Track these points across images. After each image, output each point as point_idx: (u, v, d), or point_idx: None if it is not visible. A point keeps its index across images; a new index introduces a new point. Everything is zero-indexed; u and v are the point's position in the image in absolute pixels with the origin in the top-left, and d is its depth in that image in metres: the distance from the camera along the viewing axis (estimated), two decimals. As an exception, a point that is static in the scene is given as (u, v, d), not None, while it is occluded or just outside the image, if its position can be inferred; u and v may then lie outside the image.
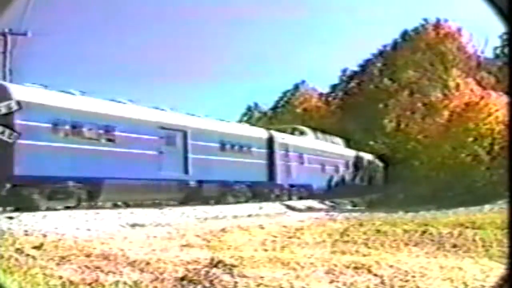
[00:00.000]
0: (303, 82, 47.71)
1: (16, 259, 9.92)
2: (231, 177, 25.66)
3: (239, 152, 26.68)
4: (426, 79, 38.82)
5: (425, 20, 41.31)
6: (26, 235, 12.66)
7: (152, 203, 21.37)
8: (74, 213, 16.50)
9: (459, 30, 41.12)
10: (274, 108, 48.54)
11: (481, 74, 39.56)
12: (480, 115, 33.46)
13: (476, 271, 9.68)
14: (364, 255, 11.30)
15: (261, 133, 29.58)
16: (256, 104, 49.09)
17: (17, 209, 16.44)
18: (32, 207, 16.77)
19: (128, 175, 19.87)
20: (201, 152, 23.72)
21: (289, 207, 26.03)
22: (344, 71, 46.05)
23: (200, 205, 21.82)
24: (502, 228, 13.08)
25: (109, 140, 19.93)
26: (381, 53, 43.54)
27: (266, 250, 12.06)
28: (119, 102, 21.38)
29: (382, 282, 9.00)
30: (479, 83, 37.27)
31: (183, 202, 22.55)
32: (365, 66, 44.18)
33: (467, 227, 14.87)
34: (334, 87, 46.99)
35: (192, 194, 23.40)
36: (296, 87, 47.92)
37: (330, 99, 46.69)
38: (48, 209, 17.22)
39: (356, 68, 45.11)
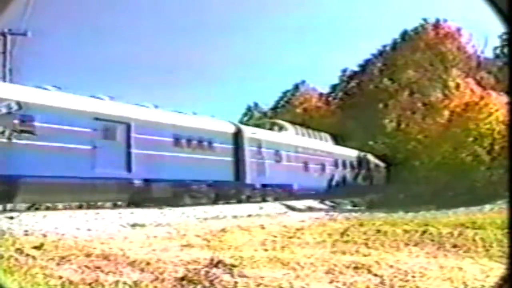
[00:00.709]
0: (303, 82, 47.72)
1: (16, 259, 9.92)
2: (187, 176, 22.91)
3: (198, 147, 23.85)
4: (426, 79, 38.80)
5: (425, 20, 41.30)
6: (26, 235, 12.67)
7: (153, 203, 21.01)
8: (74, 213, 16.51)
9: (458, 30, 41.11)
10: (274, 108, 48.52)
11: (481, 74, 39.55)
12: (480, 115, 33.45)
13: (476, 271, 9.68)
14: (364, 255, 11.31)
15: (226, 127, 26.56)
16: (256, 104, 49.08)
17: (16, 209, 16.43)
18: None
19: (51, 172, 17.34)
20: (148, 147, 21.08)
21: (289, 207, 26.02)
22: (344, 71, 46.06)
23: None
24: (502, 228, 13.07)
25: (27, 132, 17.31)
26: (381, 53, 43.53)
27: (266, 250, 12.07)
28: (45, 89, 18.90)
29: (382, 282, 9.01)
30: (479, 83, 37.24)
31: (131, 204, 20.57)
32: (365, 66, 44.17)
33: (467, 227, 14.88)
34: (334, 87, 46.98)
35: (137, 194, 20.80)
36: (296, 87, 47.92)
37: (330, 99, 46.67)
38: (48, 208, 17.20)
39: (356, 68, 45.13)
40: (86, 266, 9.66)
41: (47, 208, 17.44)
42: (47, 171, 17.26)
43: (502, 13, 4.16)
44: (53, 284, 8.60)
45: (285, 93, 48.25)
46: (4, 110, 16.79)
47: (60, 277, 8.88)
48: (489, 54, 41.48)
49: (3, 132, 16.78)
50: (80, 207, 18.84)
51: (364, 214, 22.76)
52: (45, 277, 8.86)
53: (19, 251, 10.57)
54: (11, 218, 14.47)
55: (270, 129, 31.70)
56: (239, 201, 25.55)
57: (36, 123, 17.55)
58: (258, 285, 8.78)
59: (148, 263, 9.97)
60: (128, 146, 20.48)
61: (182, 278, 9.09)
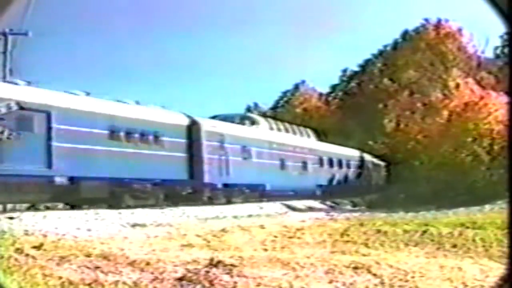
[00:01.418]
0: (303, 82, 47.69)
1: (16, 259, 9.91)
2: (127, 174, 20.16)
3: (142, 141, 21.10)
4: (426, 79, 38.78)
5: (426, 20, 41.26)
6: (26, 235, 12.66)
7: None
8: (74, 213, 16.50)
9: (459, 30, 41.09)
10: (274, 108, 48.51)
11: (481, 74, 39.53)
12: (479, 115, 33.44)
13: (476, 271, 9.69)
14: (364, 255, 11.31)
15: (177, 119, 23.40)
16: (256, 104, 49.06)
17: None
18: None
19: None
20: (74, 140, 18.37)
21: (289, 207, 26.02)
22: (344, 71, 46.04)
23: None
24: (502, 228, 13.06)
25: None
26: (381, 53, 43.51)
27: (266, 250, 12.08)
28: None
29: (382, 282, 9.01)
30: (479, 83, 37.24)
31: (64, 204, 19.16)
32: (365, 66, 44.15)
33: (467, 227, 14.87)
34: (334, 87, 46.97)
35: (62, 194, 18.26)
36: (296, 87, 47.89)
37: (330, 99, 46.66)
38: (48, 208, 17.16)
39: (356, 68, 45.11)
40: (86, 266, 9.65)
41: (47, 208, 17.39)
42: None
43: (503, 13, 4.15)
44: (53, 284, 8.60)
45: (285, 93, 48.26)
46: (3, 110, 16.78)
47: (60, 277, 8.88)
48: (489, 54, 41.53)
49: None
50: (80, 207, 18.76)
51: (364, 214, 22.77)
52: (45, 277, 8.86)
53: (19, 251, 10.57)
54: (11, 218, 14.47)
55: (241, 123, 28.72)
56: (202, 203, 22.82)
57: None
58: (258, 285, 8.78)
59: (148, 263, 9.97)
60: (48, 138, 17.82)
61: (182, 278, 9.09)
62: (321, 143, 34.79)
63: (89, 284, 8.66)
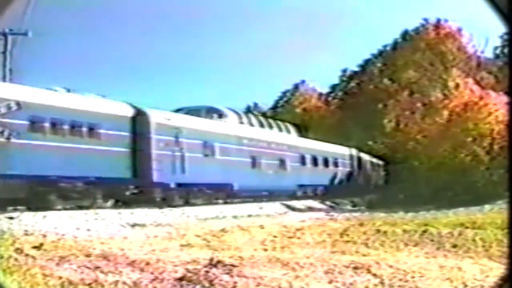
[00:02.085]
0: (303, 82, 47.67)
1: (16, 259, 9.91)
2: (53, 170, 17.73)
3: (72, 133, 18.56)
4: (426, 79, 38.77)
5: (426, 20, 41.24)
6: (26, 235, 12.67)
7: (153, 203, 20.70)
8: (74, 213, 16.49)
9: (459, 30, 41.08)
10: (274, 108, 48.50)
11: (481, 74, 39.53)
12: (479, 115, 33.46)
13: (476, 271, 9.68)
14: (364, 255, 11.31)
15: (119, 109, 20.73)
16: (256, 104, 49.06)
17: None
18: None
19: None
20: None
21: (289, 207, 26.02)
22: (344, 71, 45.99)
23: (200, 205, 20.23)
24: (502, 228, 13.07)
25: None
26: (381, 53, 43.49)
27: (266, 250, 12.08)
28: None
29: (382, 282, 9.01)
30: (479, 83, 37.25)
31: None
32: (365, 66, 44.12)
33: (467, 227, 14.89)
34: (334, 87, 46.93)
35: None
36: (296, 87, 47.86)
37: (330, 99, 46.64)
38: (48, 209, 17.13)
39: (356, 68, 45.07)
40: (85, 266, 9.65)
41: (47, 208, 17.37)
42: None
43: (502, 13, 4.15)
44: (53, 284, 8.60)
45: (284, 93, 48.24)
46: (3, 110, 16.77)
47: (60, 277, 8.88)
48: (489, 54, 41.54)
49: None
50: (80, 207, 18.75)
51: (364, 214, 22.77)
52: (45, 277, 8.86)
53: (19, 251, 10.58)
54: (11, 218, 14.47)
55: (208, 116, 26.04)
56: (155, 205, 20.36)
57: None
58: (258, 285, 8.77)
59: (147, 263, 9.97)
60: None
61: (182, 278, 9.09)
62: (303, 139, 32.59)
63: (89, 284, 8.66)
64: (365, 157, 39.49)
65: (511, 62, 7.66)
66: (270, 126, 30.52)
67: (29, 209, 16.54)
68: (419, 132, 36.86)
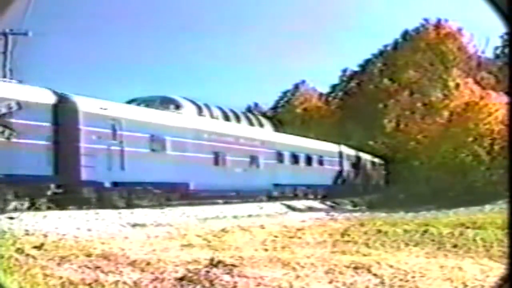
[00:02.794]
0: (303, 82, 47.72)
1: (17, 259, 9.92)
2: None
3: None
4: (426, 79, 38.79)
5: (426, 20, 41.28)
6: (27, 235, 12.67)
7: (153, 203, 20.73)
8: (75, 213, 16.49)
9: (459, 30, 41.10)
10: (274, 108, 48.54)
11: (482, 74, 39.55)
12: (480, 115, 33.48)
13: (476, 271, 9.68)
14: (364, 255, 11.30)
15: (36, 95, 17.84)
16: (256, 104, 49.10)
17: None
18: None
19: None
20: None
21: (289, 207, 26.02)
22: (344, 71, 46.05)
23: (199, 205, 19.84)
24: (502, 228, 13.07)
25: None
26: (381, 53, 43.52)
27: (266, 250, 12.07)
28: None
29: (382, 282, 9.00)
30: (479, 83, 37.27)
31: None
32: (365, 66, 44.16)
33: (467, 227, 14.90)
34: (334, 87, 46.98)
35: None
36: (296, 87, 47.91)
37: (330, 99, 46.68)
38: (49, 208, 17.14)
39: (356, 68, 45.12)
40: (86, 266, 9.66)
41: (48, 208, 17.37)
42: None
43: (503, 13, 4.16)
44: (53, 284, 8.60)
45: (285, 93, 48.28)
46: (3, 110, 16.76)
47: (60, 277, 8.88)
48: (489, 54, 41.56)
49: None
50: (80, 207, 18.76)
51: (365, 214, 22.78)
52: (45, 277, 8.86)
53: (20, 251, 10.58)
54: (12, 218, 14.47)
55: (164, 107, 23.56)
56: (87, 206, 18.19)
57: None
58: (258, 285, 8.77)
59: (148, 263, 9.97)
60: None
61: (182, 278, 9.09)
62: (280, 134, 30.23)
63: (89, 284, 8.66)
64: (361, 155, 38.61)
65: (511, 62, 7.66)
66: (238, 120, 27.61)
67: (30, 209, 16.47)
68: (419, 132, 36.89)
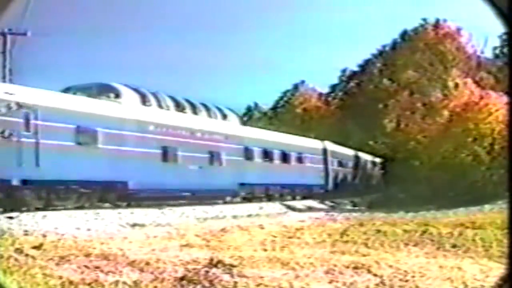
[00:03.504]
0: (303, 82, 47.81)
1: (16, 259, 9.91)
2: None
3: None
4: (426, 79, 38.84)
5: (425, 20, 41.35)
6: (26, 235, 12.67)
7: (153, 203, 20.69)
8: (74, 213, 16.49)
9: (458, 30, 41.14)
10: (274, 108, 48.60)
11: (481, 74, 39.58)
12: (480, 115, 33.50)
13: (476, 271, 9.67)
14: (364, 255, 11.30)
15: None
16: (256, 104, 49.15)
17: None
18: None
19: None
20: None
21: (289, 207, 26.02)
22: (344, 71, 46.13)
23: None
24: (502, 228, 13.07)
25: None
26: (380, 53, 43.58)
27: (265, 250, 12.06)
28: None
29: (382, 282, 9.00)
30: (478, 83, 37.29)
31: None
32: (364, 66, 44.22)
33: (467, 227, 14.89)
34: (334, 87, 47.06)
35: None
36: (296, 87, 48.00)
37: (330, 99, 46.75)
38: (48, 209, 17.14)
39: (356, 68, 45.19)
40: (85, 266, 9.65)
41: (47, 208, 17.38)
42: None
43: (502, 13, 4.16)
44: (53, 284, 8.59)
45: (285, 93, 48.35)
46: (3, 110, 16.76)
47: (60, 277, 8.87)
48: (488, 54, 41.59)
49: None
50: (80, 207, 18.76)
51: (364, 214, 22.77)
52: (45, 277, 8.85)
53: (19, 251, 10.58)
54: (11, 218, 14.47)
55: (102, 95, 20.78)
56: None
57: None
58: (258, 285, 8.76)
59: (147, 263, 9.96)
60: None
61: (182, 278, 9.08)
62: (248, 128, 27.86)
63: (89, 284, 8.65)
64: (351, 153, 37.09)
65: (511, 62, 7.66)
66: (195, 111, 24.47)
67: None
68: (419, 132, 36.91)
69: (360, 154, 38.66)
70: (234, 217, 19.80)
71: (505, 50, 33.54)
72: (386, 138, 39.74)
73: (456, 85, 37.24)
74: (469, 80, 37.37)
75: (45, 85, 19.31)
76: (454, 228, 14.73)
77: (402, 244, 13.05)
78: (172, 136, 22.10)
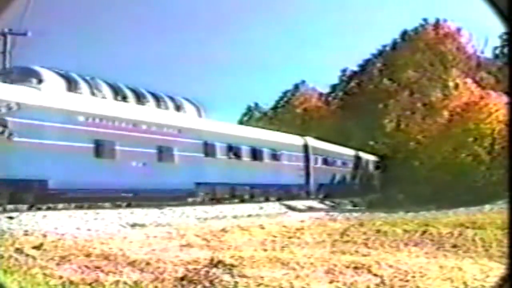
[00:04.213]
0: (303, 82, 47.86)
1: (16, 259, 9.92)
2: None
3: None
4: (426, 79, 38.87)
5: (425, 20, 41.40)
6: (26, 235, 12.67)
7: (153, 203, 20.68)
8: (74, 213, 16.50)
9: (458, 30, 41.17)
10: (274, 108, 48.63)
11: (481, 74, 39.60)
12: (480, 115, 33.51)
13: (476, 271, 9.68)
14: (364, 255, 11.30)
15: None
16: (256, 104, 49.18)
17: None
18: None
19: None
20: None
21: (289, 207, 26.01)
22: (344, 71, 46.17)
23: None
24: (502, 228, 13.08)
25: None
26: (381, 53, 43.61)
27: (266, 250, 12.06)
28: None
29: (382, 282, 9.00)
30: (478, 83, 37.32)
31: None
32: (365, 66, 44.25)
33: (467, 227, 14.89)
34: (334, 87, 47.09)
35: None
36: (296, 87, 48.04)
37: (330, 99, 46.79)
38: (48, 209, 17.14)
39: (356, 68, 45.23)
40: (86, 266, 9.66)
41: (48, 208, 17.38)
42: None
43: (502, 13, 4.16)
44: (53, 284, 8.60)
45: (285, 93, 48.39)
46: (3, 110, 16.76)
47: (60, 277, 8.88)
48: (488, 54, 41.61)
49: None
50: (80, 207, 18.76)
51: (364, 214, 22.76)
52: (45, 277, 8.86)
53: (19, 251, 10.58)
54: (11, 218, 14.48)
55: (21, 80, 18.20)
56: None
57: None
58: (258, 285, 8.77)
59: (148, 263, 9.97)
60: None
61: (182, 278, 9.09)
62: (208, 121, 24.36)
63: (89, 284, 8.66)
64: (340, 150, 34.76)
65: (511, 62, 7.67)
66: (140, 100, 21.69)
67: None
68: (419, 132, 36.93)
69: (351, 151, 36.97)
70: (234, 217, 19.80)
71: (505, 50, 33.56)
72: (386, 138, 39.75)
73: (456, 85, 37.26)
74: (469, 80, 37.38)
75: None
76: (454, 228, 14.73)
77: (402, 244, 13.05)
78: (109, 128, 19.32)
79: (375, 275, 9.35)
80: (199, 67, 45.58)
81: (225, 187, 24.36)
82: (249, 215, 20.81)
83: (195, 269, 9.56)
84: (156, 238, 13.76)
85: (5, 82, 18.02)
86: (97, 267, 9.62)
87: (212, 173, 23.04)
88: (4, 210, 16.20)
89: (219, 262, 9.92)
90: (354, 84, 45.02)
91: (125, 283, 8.81)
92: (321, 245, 13.13)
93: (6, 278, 8.60)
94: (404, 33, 42.27)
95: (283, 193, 27.70)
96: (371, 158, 39.62)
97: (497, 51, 40.10)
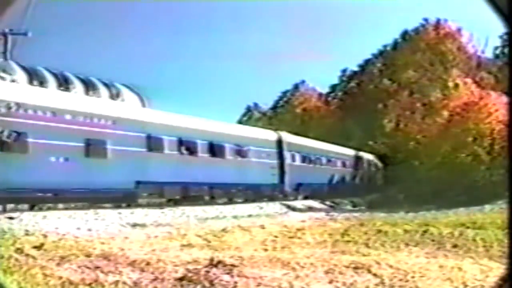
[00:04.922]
0: (303, 82, 47.77)
1: (17, 259, 9.92)
2: None
3: None
4: (426, 79, 38.83)
5: (425, 20, 41.33)
6: (27, 235, 12.68)
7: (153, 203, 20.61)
8: (75, 213, 16.50)
9: (459, 30, 41.14)
10: (274, 108, 48.57)
11: (481, 74, 39.57)
12: (480, 115, 33.49)
13: (476, 271, 9.68)
14: (364, 255, 11.30)
15: None
16: (256, 104, 49.12)
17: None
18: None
19: None
20: None
21: (289, 207, 26.01)
22: (344, 71, 46.08)
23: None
24: (502, 228, 13.07)
25: None
26: (381, 53, 43.56)
27: (266, 250, 12.08)
28: None
29: (382, 282, 9.01)
30: (479, 83, 37.30)
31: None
32: (365, 66, 44.20)
33: (467, 227, 14.89)
34: (334, 87, 47.03)
35: None
36: (296, 87, 47.96)
37: (330, 99, 46.72)
38: (49, 209, 17.13)
39: (356, 68, 45.15)
40: (86, 266, 9.66)
41: (48, 208, 17.38)
42: None
43: (502, 13, 4.16)
44: (53, 284, 8.60)
45: (284, 93, 48.32)
46: (3, 110, 16.76)
47: (60, 277, 8.88)
48: (489, 54, 41.58)
49: None
50: (80, 207, 18.76)
51: (365, 214, 22.77)
52: (45, 277, 8.86)
53: (19, 251, 10.59)
54: (11, 218, 14.48)
55: None
56: None
57: None
58: (258, 285, 8.77)
59: (148, 263, 9.97)
60: None
61: (182, 278, 9.09)
62: (152, 111, 21.66)
63: (89, 284, 8.67)
64: (323, 147, 32.53)
65: (511, 62, 7.67)
66: (64, 86, 19.03)
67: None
68: (419, 132, 36.90)
69: (338, 148, 34.58)
70: (235, 217, 19.80)
71: (506, 50, 33.54)
72: (386, 138, 39.72)
73: (456, 85, 37.24)
74: (469, 80, 37.37)
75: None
76: (455, 228, 14.74)
77: (403, 244, 13.06)
78: (19, 117, 16.54)
79: (375, 275, 9.36)
80: (199, 67, 45.54)
81: (175, 186, 21.42)
82: (250, 215, 20.82)
83: (195, 269, 9.56)
84: (156, 238, 13.78)
85: None
86: (97, 267, 9.63)
87: (157, 170, 20.35)
88: (5, 210, 16.22)
89: (219, 262, 9.93)
90: (354, 84, 44.97)
91: (125, 283, 8.81)
92: (322, 245, 13.14)
93: (6, 278, 8.60)
94: (405, 33, 42.24)
95: (251, 193, 25.22)
96: (365, 156, 39.30)
97: (498, 51, 40.10)
